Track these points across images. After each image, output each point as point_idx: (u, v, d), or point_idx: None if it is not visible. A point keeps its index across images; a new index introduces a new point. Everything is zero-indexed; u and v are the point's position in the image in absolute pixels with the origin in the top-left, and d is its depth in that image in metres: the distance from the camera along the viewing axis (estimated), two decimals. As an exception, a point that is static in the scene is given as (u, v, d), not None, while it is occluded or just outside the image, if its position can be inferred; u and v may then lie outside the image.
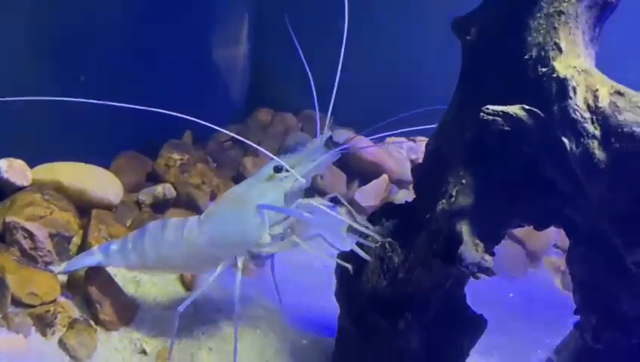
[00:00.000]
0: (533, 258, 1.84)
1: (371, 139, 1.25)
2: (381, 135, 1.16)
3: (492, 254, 0.92)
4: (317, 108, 1.12)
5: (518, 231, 1.87)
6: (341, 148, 1.10)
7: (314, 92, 1.20)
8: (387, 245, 0.93)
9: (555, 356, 1.07)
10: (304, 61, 1.29)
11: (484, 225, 0.87)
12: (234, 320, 1.09)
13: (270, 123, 2.35)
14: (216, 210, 1.10)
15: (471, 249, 0.78)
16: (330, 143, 1.11)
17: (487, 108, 0.79)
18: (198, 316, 1.18)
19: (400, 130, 1.17)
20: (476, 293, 1.70)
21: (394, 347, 0.94)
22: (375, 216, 1.04)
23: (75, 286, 1.18)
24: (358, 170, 1.97)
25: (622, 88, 0.74)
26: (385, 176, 1.90)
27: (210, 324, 1.17)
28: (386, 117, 1.27)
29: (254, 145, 1.08)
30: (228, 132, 1.23)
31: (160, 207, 1.49)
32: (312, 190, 1.94)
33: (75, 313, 1.13)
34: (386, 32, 2.08)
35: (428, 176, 0.94)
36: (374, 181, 1.90)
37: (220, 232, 1.07)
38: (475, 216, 0.84)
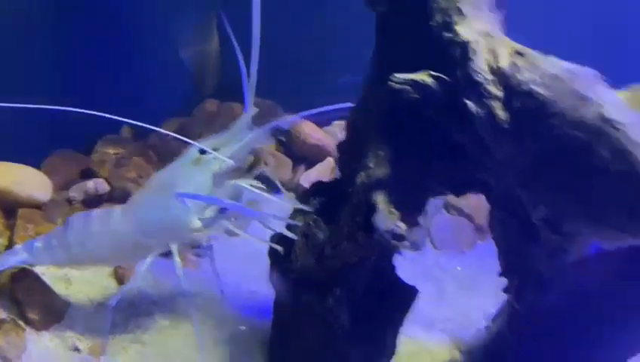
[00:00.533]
0: (481, 231, 1.89)
1: (304, 116, 1.26)
2: (312, 111, 1.17)
3: (416, 223, 0.95)
4: (246, 86, 1.12)
5: (466, 205, 1.91)
6: (269, 126, 1.11)
7: (243, 70, 1.21)
8: (311, 222, 0.94)
9: (491, 323, 1.11)
10: (235, 44, 1.29)
11: (404, 194, 0.89)
12: (188, 306, 1.09)
13: (217, 113, 2.35)
14: (140, 197, 1.09)
15: (385, 217, 0.80)
16: (256, 121, 1.11)
17: (396, 77, 0.81)
18: (132, 310, 1.18)
19: (334, 107, 1.19)
20: (424, 267, 1.74)
21: (324, 324, 0.96)
22: (305, 196, 1.05)
23: (0, 288, 1.16)
24: (303, 155, 1.98)
25: (523, 49, 0.76)
26: (330, 159, 1.92)
27: (145, 317, 1.17)
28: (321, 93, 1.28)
29: (175, 135, 1.07)
30: (153, 127, 1.22)
31: (92, 202, 1.47)
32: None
33: (2, 314, 1.11)
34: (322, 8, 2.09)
35: (350, 151, 0.95)
36: (319, 164, 1.91)
37: (146, 220, 1.07)
38: (393, 186, 0.86)
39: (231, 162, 1.06)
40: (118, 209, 1.10)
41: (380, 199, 0.83)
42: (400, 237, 0.79)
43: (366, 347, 0.99)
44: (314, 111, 1.13)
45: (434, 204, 2.18)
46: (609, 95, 0.60)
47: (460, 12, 0.79)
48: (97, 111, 1.08)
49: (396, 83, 0.81)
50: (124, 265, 1.24)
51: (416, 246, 2.24)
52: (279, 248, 0.99)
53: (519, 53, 0.74)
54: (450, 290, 1.53)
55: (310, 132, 2.00)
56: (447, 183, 0.90)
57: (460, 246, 1.86)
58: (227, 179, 1.07)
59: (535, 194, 0.72)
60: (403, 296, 1.03)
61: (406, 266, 1.91)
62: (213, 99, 2.54)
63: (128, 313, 1.16)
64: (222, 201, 1.00)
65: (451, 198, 2.02)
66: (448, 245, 1.83)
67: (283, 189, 1.17)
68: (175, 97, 2.45)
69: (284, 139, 2.10)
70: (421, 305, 1.63)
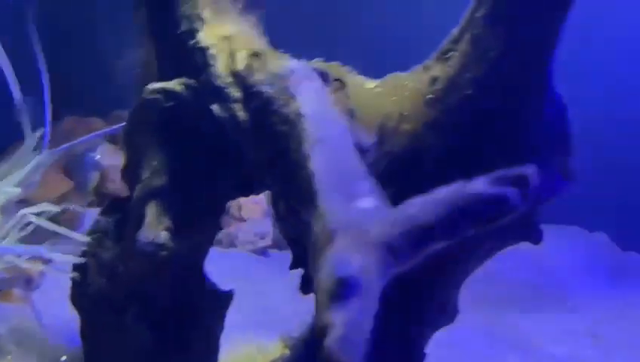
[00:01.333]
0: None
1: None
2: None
3: (212, 227, 1.00)
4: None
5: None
6: (57, 149, 1.12)
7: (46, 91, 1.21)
8: (95, 242, 0.96)
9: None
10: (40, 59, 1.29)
11: (186, 202, 0.92)
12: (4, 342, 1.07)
13: (74, 130, 2.31)
14: None
15: (149, 228, 0.83)
16: (42, 145, 1.12)
17: (148, 88, 0.85)
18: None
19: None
20: (282, 266, 1.79)
21: (128, 344, 0.98)
22: (101, 213, 1.07)
23: None
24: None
25: (261, 50, 0.82)
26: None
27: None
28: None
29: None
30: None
31: None
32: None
33: None
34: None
35: (131, 163, 0.97)
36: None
37: None
38: (170, 195, 0.89)
39: (18, 190, 1.06)
40: None
41: (151, 210, 0.86)
42: (161, 247, 0.82)
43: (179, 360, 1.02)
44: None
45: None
46: (312, 91, 0.66)
47: (200, 18, 0.83)
48: None
49: (149, 93, 0.84)
50: None
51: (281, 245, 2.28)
52: (73, 274, 1.00)
53: (256, 55, 0.79)
54: (290, 291, 1.59)
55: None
56: (230, 186, 0.94)
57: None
58: (17, 208, 1.07)
59: (278, 190, 0.78)
60: (216, 303, 1.06)
61: (263, 266, 1.95)
62: (72, 116, 2.49)
63: None
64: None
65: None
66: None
67: (84, 211, 1.18)
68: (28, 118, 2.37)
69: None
70: (275, 306, 1.69)
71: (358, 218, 0.45)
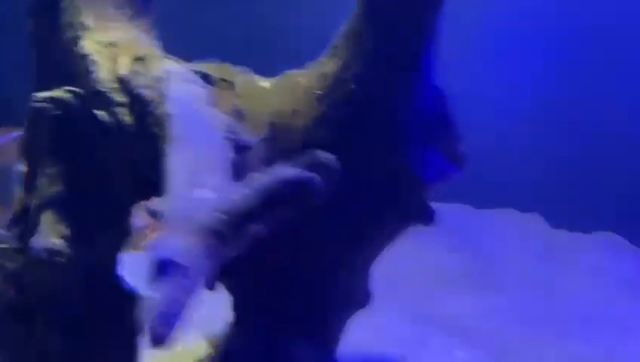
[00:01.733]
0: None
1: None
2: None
3: (127, 231, 1.02)
4: None
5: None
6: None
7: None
8: (-1, 254, 0.97)
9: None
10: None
11: (87, 208, 0.94)
12: None
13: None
14: None
15: (44, 236, 0.84)
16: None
17: (36, 96, 0.86)
18: None
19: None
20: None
21: (38, 350, 0.99)
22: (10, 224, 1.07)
23: None
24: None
25: (146, 54, 0.84)
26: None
27: None
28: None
29: None
30: None
31: None
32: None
33: None
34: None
35: (30, 172, 0.98)
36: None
37: None
38: (67, 203, 0.91)
39: None
40: None
41: (45, 218, 0.87)
42: (58, 253, 0.84)
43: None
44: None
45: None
46: (183, 92, 0.69)
47: (83, 26, 0.85)
48: None
49: (37, 101, 0.86)
50: None
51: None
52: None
53: (140, 59, 0.82)
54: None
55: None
56: (128, 189, 0.96)
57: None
58: None
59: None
60: (131, 306, 1.08)
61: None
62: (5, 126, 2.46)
63: None
64: None
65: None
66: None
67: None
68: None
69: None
70: (201, 305, 1.70)
71: (192, 207, 0.49)
